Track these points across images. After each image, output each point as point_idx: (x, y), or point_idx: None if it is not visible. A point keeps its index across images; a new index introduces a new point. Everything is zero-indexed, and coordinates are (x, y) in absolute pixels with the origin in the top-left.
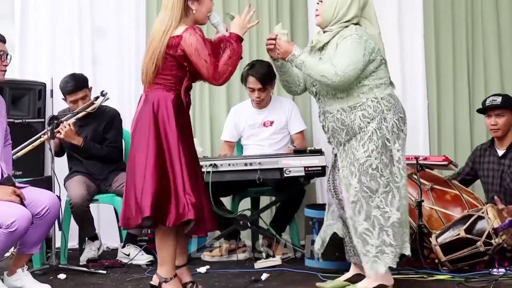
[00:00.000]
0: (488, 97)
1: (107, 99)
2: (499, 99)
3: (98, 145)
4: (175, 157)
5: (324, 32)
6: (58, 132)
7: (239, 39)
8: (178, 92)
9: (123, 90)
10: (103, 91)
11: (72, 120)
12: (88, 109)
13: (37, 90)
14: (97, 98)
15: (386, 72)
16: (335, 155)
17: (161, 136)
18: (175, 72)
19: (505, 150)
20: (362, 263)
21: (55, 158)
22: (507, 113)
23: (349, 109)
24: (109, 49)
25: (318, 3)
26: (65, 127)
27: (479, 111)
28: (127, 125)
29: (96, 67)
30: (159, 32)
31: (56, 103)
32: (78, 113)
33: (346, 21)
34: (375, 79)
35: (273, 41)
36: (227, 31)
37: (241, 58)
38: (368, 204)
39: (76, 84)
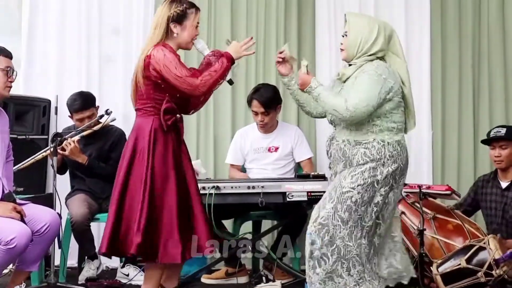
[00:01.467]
0: (493, 128)
1: (113, 120)
2: (503, 131)
3: (103, 164)
4: (138, 192)
5: (349, 65)
6: (63, 149)
7: (231, 60)
8: (158, 117)
9: (129, 109)
10: (107, 109)
11: (77, 137)
12: (94, 128)
13: (42, 107)
14: (101, 116)
15: (402, 117)
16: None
17: (132, 169)
18: (152, 95)
19: (509, 183)
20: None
21: (57, 175)
22: (511, 145)
23: (354, 143)
24: (115, 71)
25: (343, 36)
26: (70, 144)
27: (483, 142)
28: None
29: (103, 85)
30: (141, 52)
31: (60, 120)
32: (83, 130)
33: (370, 55)
34: (388, 122)
35: (282, 55)
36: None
37: (225, 80)
38: (334, 232)
39: (84, 102)
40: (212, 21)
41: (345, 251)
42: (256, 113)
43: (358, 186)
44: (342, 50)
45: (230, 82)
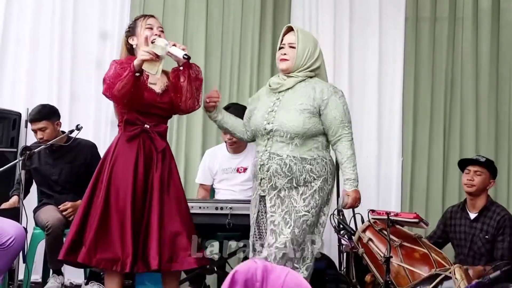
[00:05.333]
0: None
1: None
2: (483, 159)
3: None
4: (95, 201)
5: (288, 76)
6: (69, 216)
7: (134, 69)
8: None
9: (100, 123)
10: (78, 125)
11: (69, 204)
12: (61, 143)
13: (12, 119)
14: (72, 131)
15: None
16: (261, 197)
17: (96, 179)
18: (116, 109)
19: (477, 214)
20: None
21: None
22: (485, 174)
23: (300, 160)
24: (87, 84)
25: (285, 47)
26: (66, 210)
27: (461, 162)
28: None
29: (74, 100)
30: None
31: (30, 134)
32: (52, 145)
33: (312, 70)
34: (326, 138)
35: (217, 99)
36: (184, 50)
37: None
38: (289, 256)
39: (38, 114)
40: (188, 33)
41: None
42: (225, 132)
43: (312, 209)
44: (285, 60)
45: (185, 56)
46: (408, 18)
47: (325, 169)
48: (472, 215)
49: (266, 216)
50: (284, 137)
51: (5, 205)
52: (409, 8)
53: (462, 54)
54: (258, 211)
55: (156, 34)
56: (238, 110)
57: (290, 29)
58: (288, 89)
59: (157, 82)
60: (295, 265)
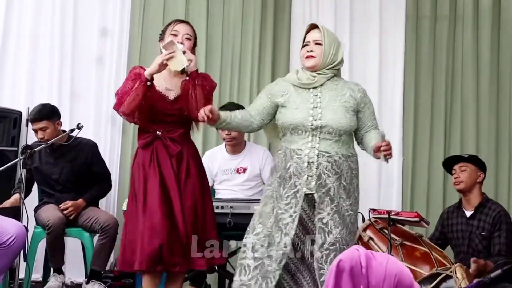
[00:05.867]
0: None
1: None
2: (466, 155)
3: (91, 190)
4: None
5: (317, 73)
6: (70, 215)
7: (145, 80)
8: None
9: (100, 123)
10: (79, 123)
11: (70, 203)
12: (61, 142)
13: (13, 118)
14: (72, 130)
15: None
16: (307, 195)
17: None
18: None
19: (473, 211)
20: None
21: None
22: (470, 168)
23: (344, 157)
24: (87, 84)
25: (310, 44)
26: (67, 209)
27: (445, 165)
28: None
29: (74, 99)
30: None
31: (31, 133)
32: (53, 144)
33: (337, 68)
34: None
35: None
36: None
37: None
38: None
39: (39, 113)
40: None
41: None
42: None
43: (354, 206)
44: (312, 57)
45: (183, 71)
46: (408, 16)
47: (358, 165)
48: (468, 213)
49: (313, 214)
50: (333, 134)
51: (7, 203)
52: (409, 7)
53: (462, 52)
54: (303, 209)
55: (179, 42)
56: (235, 106)
57: (313, 26)
58: (322, 85)
59: (174, 88)
60: None
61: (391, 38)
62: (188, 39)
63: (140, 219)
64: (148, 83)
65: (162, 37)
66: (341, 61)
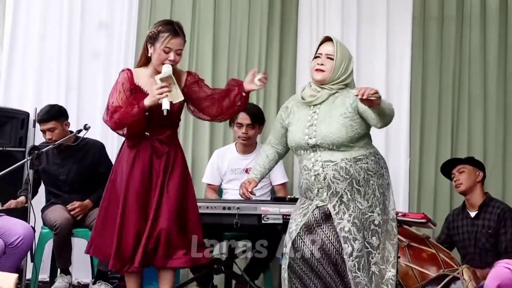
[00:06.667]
0: None
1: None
2: (463, 158)
3: (98, 191)
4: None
5: (322, 88)
6: (77, 216)
7: (143, 109)
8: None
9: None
10: (86, 124)
11: (77, 203)
12: (69, 142)
13: (20, 119)
14: (79, 131)
15: None
16: (319, 208)
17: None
18: None
19: (477, 211)
20: None
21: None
22: (468, 169)
23: (354, 160)
24: (94, 86)
25: (321, 57)
26: (74, 209)
27: (443, 170)
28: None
29: (81, 100)
30: None
31: (38, 133)
32: (60, 144)
33: (345, 84)
34: (369, 136)
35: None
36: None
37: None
38: (368, 260)
39: (47, 114)
40: (195, 32)
41: (380, 276)
42: (240, 125)
43: (375, 208)
44: (321, 71)
45: (166, 111)
46: (415, 17)
47: (379, 164)
48: (473, 213)
49: (323, 222)
50: (332, 146)
51: (12, 202)
52: (416, 8)
53: (470, 53)
54: (313, 215)
55: (169, 59)
56: (256, 106)
57: (327, 39)
58: (323, 102)
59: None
60: (381, 266)
61: (398, 40)
62: (179, 54)
63: (117, 219)
64: (146, 113)
65: (152, 42)
66: (349, 76)
